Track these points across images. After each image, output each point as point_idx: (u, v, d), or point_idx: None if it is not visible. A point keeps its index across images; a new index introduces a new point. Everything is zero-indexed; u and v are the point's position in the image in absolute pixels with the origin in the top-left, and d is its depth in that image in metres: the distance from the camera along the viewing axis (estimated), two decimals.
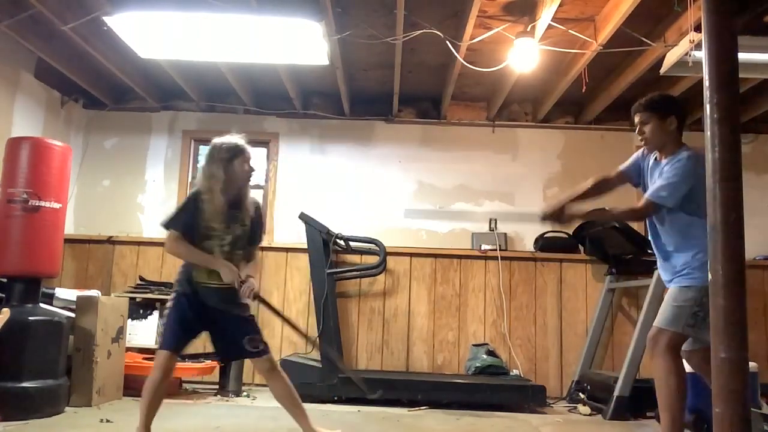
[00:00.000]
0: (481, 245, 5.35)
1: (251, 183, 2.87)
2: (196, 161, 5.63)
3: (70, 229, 5.03)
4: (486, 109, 5.64)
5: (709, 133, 1.68)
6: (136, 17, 3.71)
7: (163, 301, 4.77)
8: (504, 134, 5.63)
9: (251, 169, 2.83)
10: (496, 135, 5.63)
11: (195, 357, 4.49)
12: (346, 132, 5.62)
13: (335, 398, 4.40)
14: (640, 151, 2.95)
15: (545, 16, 3.70)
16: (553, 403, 4.71)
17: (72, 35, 4.06)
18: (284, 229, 5.44)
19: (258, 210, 2.93)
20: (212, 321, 2.80)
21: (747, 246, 1.64)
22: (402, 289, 5.32)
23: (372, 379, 4.33)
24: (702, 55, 1.75)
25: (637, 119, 2.83)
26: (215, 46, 4.07)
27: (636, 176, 2.95)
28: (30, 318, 3.51)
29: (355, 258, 5.29)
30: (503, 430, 3.68)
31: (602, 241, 4.99)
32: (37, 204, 3.58)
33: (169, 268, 5.18)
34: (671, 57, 3.71)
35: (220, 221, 2.74)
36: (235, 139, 2.83)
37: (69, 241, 4.93)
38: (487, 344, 5.09)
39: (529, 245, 5.41)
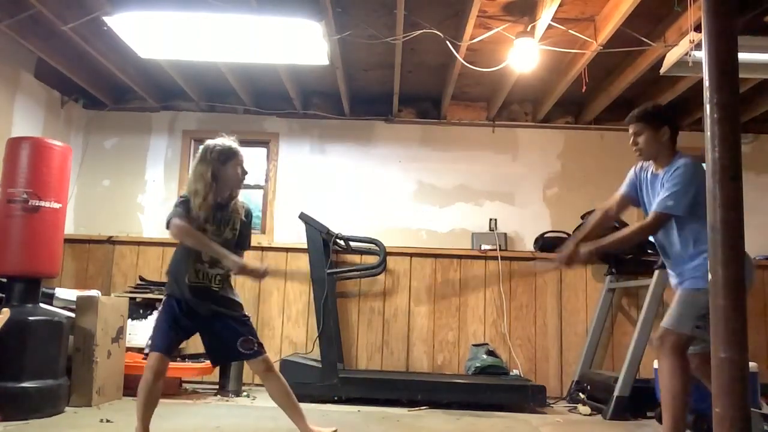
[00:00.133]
0: (481, 245, 5.35)
1: (244, 185, 2.85)
2: None
3: (70, 229, 5.03)
4: (486, 109, 5.64)
5: (709, 133, 1.68)
6: (136, 17, 3.71)
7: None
8: (504, 134, 5.63)
9: (244, 173, 2.81)
10: (496, 135, 5.63)
11: (195, 357, 4.49)
12: (346, 132, 5.62)
13: (335, 398, 4.40)
14: (632, 170, 3.00)
15: (545, 16, 3.70)
16: (553, 403, 4.71)
17: (72, 35, 4.06)
18: (284, 229, 5.44)
19: (249, 215, 2.90)
20: (205, 323, 2.76)
21: (747, 246, 1.64)
22: (402, 289, 5.32)
23: (372, 379, 4.31)
24: (702, 55, 1.75)
25: (630, 130, 2.88)
26: (215, 46, 4.07)
27: (635, 195, 2.98)
28: (30, 318, 3.51)
29: (355, 258, 5.29)
30: (503, 430, 3.68)
31: None
32: (37, 204, 3.58)
33: None
34: (671, 57, 3.71)
35: (210, 223, 2.72)
36: (228, 141, 2.80)
37: (69, 241, 4.94)
38: (487, 344, 5.09)
39: (529, 245, 5.41)
